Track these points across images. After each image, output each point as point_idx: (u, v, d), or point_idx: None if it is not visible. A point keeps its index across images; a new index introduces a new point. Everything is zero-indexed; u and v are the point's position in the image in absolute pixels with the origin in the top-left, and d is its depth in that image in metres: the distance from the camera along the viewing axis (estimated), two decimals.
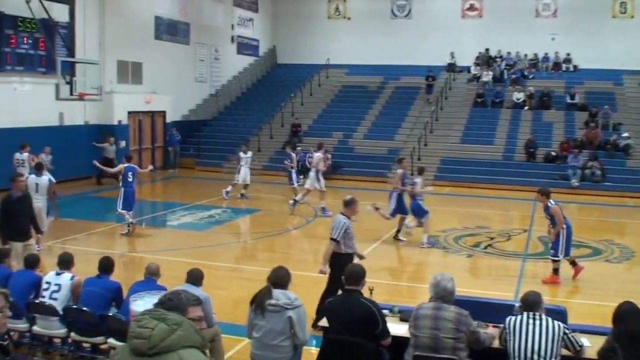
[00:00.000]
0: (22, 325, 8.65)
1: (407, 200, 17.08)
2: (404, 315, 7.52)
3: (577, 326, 7.27)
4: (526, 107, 33.41)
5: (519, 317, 6.56)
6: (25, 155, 19.39)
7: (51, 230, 16.02)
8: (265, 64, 42.65)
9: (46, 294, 8.56)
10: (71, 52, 24.61)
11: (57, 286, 8.57)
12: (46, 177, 14.97)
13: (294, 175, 22.51)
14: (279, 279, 7.09)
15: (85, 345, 8.76)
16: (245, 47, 40.32)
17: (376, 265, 13.30)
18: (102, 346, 8.53)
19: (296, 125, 33.12)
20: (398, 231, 17.09)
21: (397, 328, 7.27)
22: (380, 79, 37.96)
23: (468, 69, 37.84)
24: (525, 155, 29.34)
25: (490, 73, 36.63)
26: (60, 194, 21.33)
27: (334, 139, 31.68)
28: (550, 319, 6.49)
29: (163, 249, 16.11)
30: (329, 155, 26.29)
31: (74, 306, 8.43)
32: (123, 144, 27.69)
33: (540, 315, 6.51)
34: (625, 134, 29.33)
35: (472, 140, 31.05)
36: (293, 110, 34.99)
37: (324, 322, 7.31)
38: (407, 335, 6.82)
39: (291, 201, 20.91)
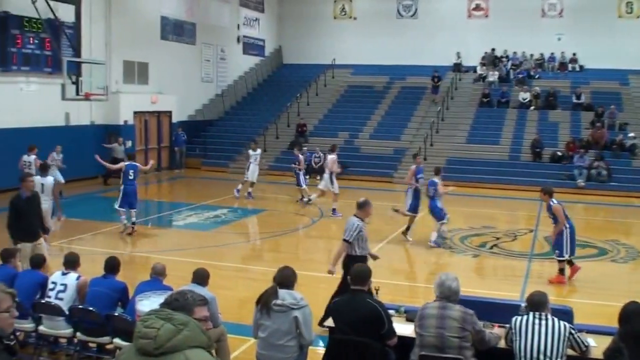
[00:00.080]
0: (28, 325, 8.68)
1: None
2: (410, 316, 7.51)
3: (583, 326, 7.27)
4: (532, 107, 33.36)
5: (525, 317, 6.56)
6: (33, 157, 19.41)
7: (57, 230, 16.02)
8: (271, 64, 42.67)
9: (52, 294, 8.57)
10: (77, 52, 24.64)
11: (63, 286, 8.58)
12: (51, 178, 15.00)
13: (301, 177, 22.48)
14: (285, 278, 7.09)
15: (91, 345, 8.79)
16: (251, 47, 40.34)
17: (382, 265, 13.28)
18: (108, 346, 8.55)
19: (302, 125, 33.12)
20: (407, 228, 17.09)
21: (403, 328, 7.27)
22: (386, 79, 37.94)
23: (474, 69, 37.80)
24: (532, 155, 29.31)
25: (496, 73, 36.59)
26: (66, 194, 21.51)
27: (339, 139, 31.61)
28: (556, 319, 6.49)
29: (169, 249, 16.13)
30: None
31: (80, 306, 8.44)
32: (129, 144, 27.66)
33: (546, 316, 6.50)
34: (632, 134, 29.27)
35: (478, 140, 31.03)
36: (299, 110, 35.00)
37: (330, 322, 7.30)
38: (413, 335, 6.82)
39: (305, 199, 20.85)
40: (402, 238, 16.98)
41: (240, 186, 23.18)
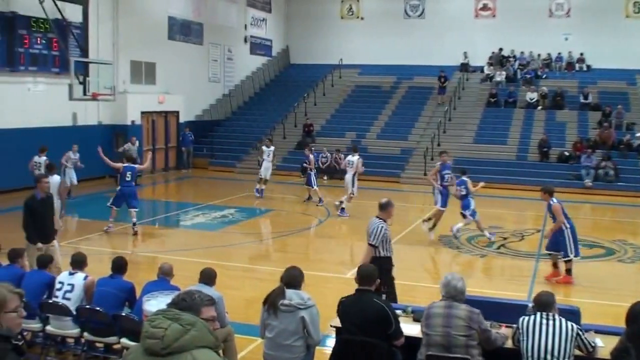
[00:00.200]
0: (35, 325, 8.70)
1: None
2: (418, 316, 7.49)
3: (590, 326, 7.26)
4: (539, 107, 33.30)
5: (532, 317, 6.55)
6: (43, 159, 19.43)
7: (65, 230, 16.06)
8: (278, 64, 42.70)
9: (59, 293, 8.59)
10: (84, 52, 24.65)
11: (70, 286, 8.60)
12: (57, 177, 15.04)
13: (312, 178, 22.37)
14: (292, 278, 7.08)
15: (98, 345, 8.81)
16: (258, 47, 40.37)
17: None
18: (115, 346, 8.56)
19: (309, 125, 33.10)
20: (434, 225, 17.20)
21: (411, 328, 7.25)
22: (393, 79, 37.92)
23: (481, 69, 37.76)
24: (539, 155, 29.26)
25: (504, 73, 36.54)
26: (74, 194, 21.55)
27: (346, 139, 31.66)
28: (563, 319, 6.48)
29: (176, 249, 16.14)
30: (342, 156, 26.27)
31: (87, 306, 8.46)
32: (137, 144, 27.70)
33: (553, 316, 6.50)
34: (639, 134, 29.19)
35: (486, 140, 30.98)
36: (306, 110, 35.02)
37: (336, 322, 7.29)
38: (420, 335, 6.82)
39: (337, 202, 20.63)
40: (424, 231, 17.08)
41: (258, 186, 23.29)
